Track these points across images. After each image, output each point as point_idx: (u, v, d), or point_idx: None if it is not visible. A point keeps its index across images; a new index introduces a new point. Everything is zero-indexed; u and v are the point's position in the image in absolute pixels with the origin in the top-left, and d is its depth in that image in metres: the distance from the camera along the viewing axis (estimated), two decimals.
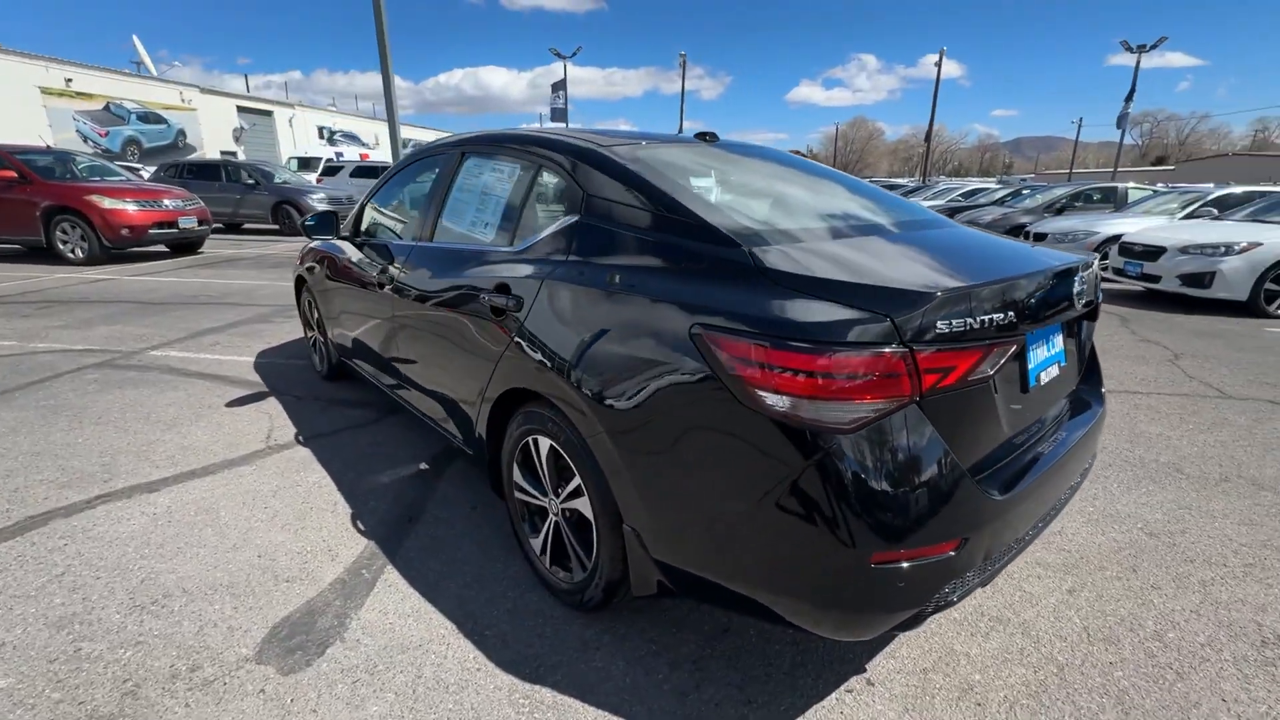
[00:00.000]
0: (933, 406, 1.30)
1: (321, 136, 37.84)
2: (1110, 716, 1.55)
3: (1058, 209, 11.90)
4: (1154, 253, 7.01)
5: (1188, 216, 8.79)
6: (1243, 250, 6.45)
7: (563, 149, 2.01)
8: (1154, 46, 27.89)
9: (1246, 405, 3.76)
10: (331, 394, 3.75)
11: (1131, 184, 12.90)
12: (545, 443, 1.84)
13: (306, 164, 20.36)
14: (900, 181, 34.85)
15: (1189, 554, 2.23)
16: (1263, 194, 8.71)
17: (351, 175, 16.75)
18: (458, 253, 2.30)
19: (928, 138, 38.46)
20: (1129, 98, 27.50)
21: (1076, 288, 1.66)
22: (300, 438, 3.13)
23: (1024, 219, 11.21)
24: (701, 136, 2.39)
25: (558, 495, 1.86)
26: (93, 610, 1.86)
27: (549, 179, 2.06)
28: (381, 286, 2.72)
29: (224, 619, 1.83)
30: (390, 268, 2.68)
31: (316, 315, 3.80)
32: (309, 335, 4.10)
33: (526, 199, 2.10)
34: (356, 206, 3.30)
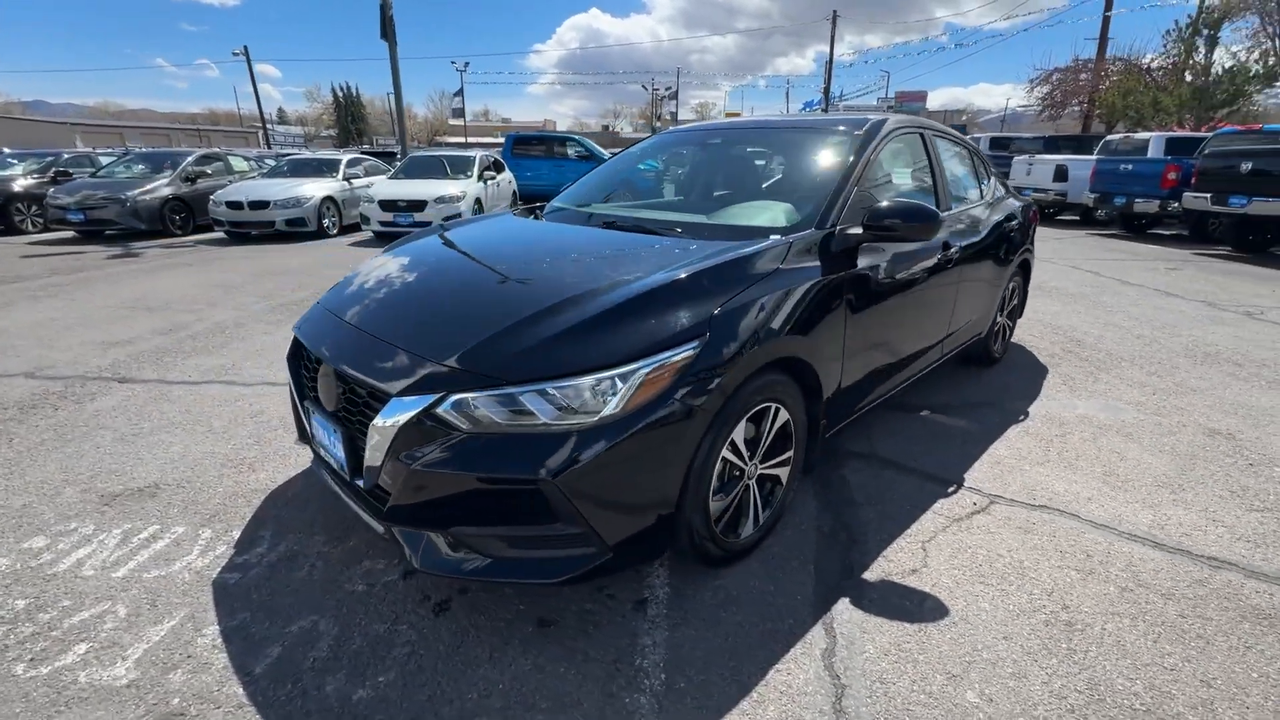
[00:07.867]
0: None
1: None
2: None
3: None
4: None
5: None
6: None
7: (968, 144, 3.82)
8: None
9: None
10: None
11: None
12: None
13: None
14: None
15: None
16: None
17: None
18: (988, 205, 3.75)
19: None
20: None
21: None
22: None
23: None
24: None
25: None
26: None
27: (971, 157, 3.85)
28: (980, 256, 3.43)
29: None
30: (969, 235, 3.31)
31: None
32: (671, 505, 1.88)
33: (976, 172, 3.86)
34: (848, 199, 2.46)
